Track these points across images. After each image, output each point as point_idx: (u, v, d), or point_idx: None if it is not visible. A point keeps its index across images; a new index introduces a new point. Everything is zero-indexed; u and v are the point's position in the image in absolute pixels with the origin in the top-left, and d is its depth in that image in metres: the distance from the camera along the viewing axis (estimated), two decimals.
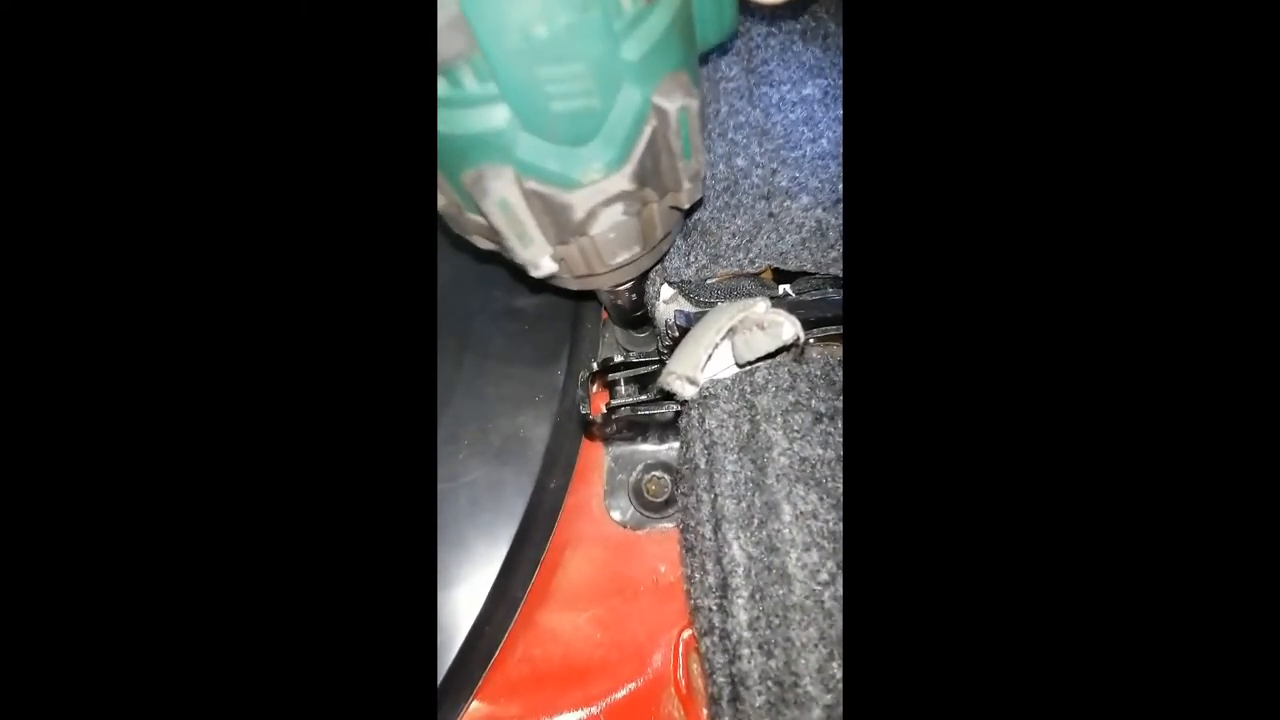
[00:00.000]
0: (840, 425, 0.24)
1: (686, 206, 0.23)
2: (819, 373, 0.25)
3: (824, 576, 0.22)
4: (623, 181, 0.20)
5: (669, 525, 0.36)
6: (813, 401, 0.24)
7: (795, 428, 0.24)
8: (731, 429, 0.25)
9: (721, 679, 0.23)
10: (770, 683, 0.22)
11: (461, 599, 0.34)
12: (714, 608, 0.24)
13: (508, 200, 0.19)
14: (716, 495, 0.25)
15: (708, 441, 0.25)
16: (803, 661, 0.21)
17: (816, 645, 0.22)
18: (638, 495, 0.37)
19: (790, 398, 0.24)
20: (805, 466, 0.23)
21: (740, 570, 0.23)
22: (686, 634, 0.34)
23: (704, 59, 0.25)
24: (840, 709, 0.21)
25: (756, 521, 0.23)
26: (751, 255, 0.28)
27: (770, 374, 0.25)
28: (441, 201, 0.22)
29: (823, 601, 0.22)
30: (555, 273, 0.22)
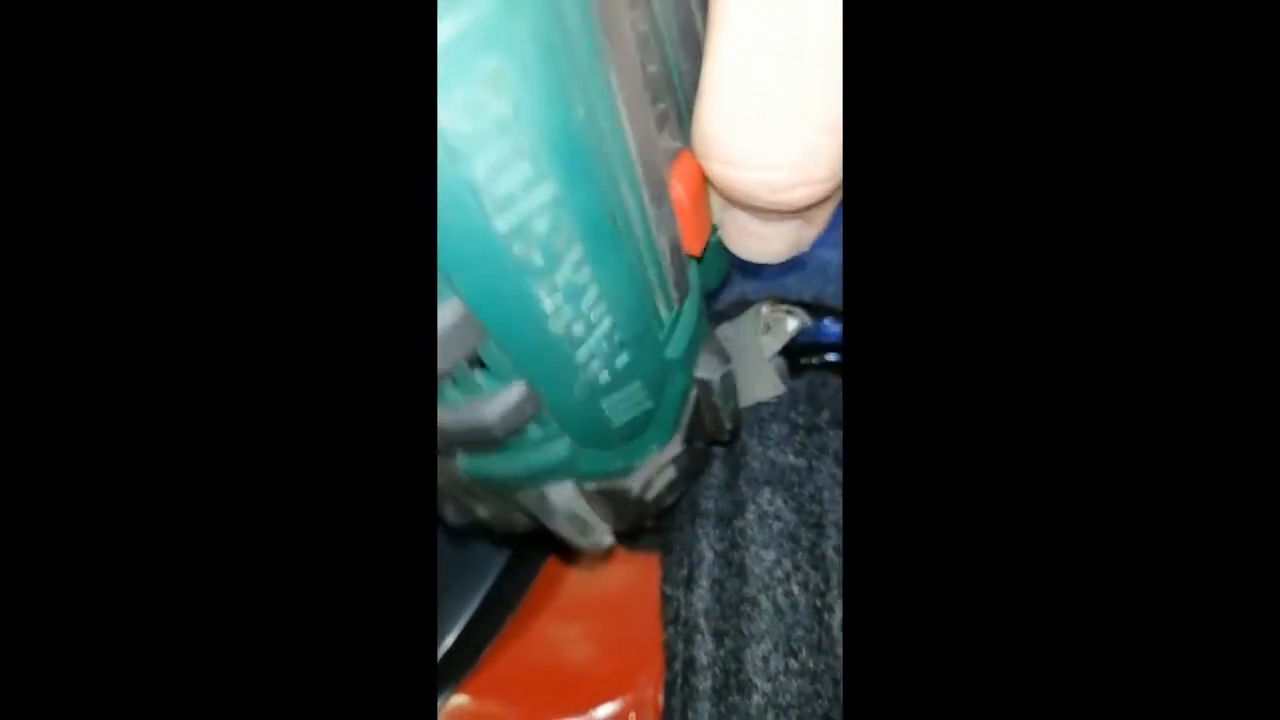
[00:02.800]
0: (815, 438, 0.26)
1: (727, 440, 0.24)
2: (803, 389, 0.27)
3: (778, 574, 0.23)
4: (674, 448, 0.21)
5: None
6: (792, 414, 0.26)
7: (771, 436, 0.26)
8: None
9: (677, 666, 0.24)
10: (718, 669, 0.23)
11: (460, 595, 0.35)
12: (680, 598, 0.25)
13: (574, 510, 0.20)
14: (696, 495, 0.26)
15: None
16: (748, 652, 0.22)
17: (763, 637, 0.22)
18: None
19: (771, 409, 0.26)
20: (775, 471, 0.25)
21: (704, 563, 0.24)
22: None
23: None
24: (777, 699, 0.22)
25: (725, 520, 0.25)
26: (755, 286, 0.30)
27: None
28: (483, 512, 0.23)
29: (774, 598, 0.23)
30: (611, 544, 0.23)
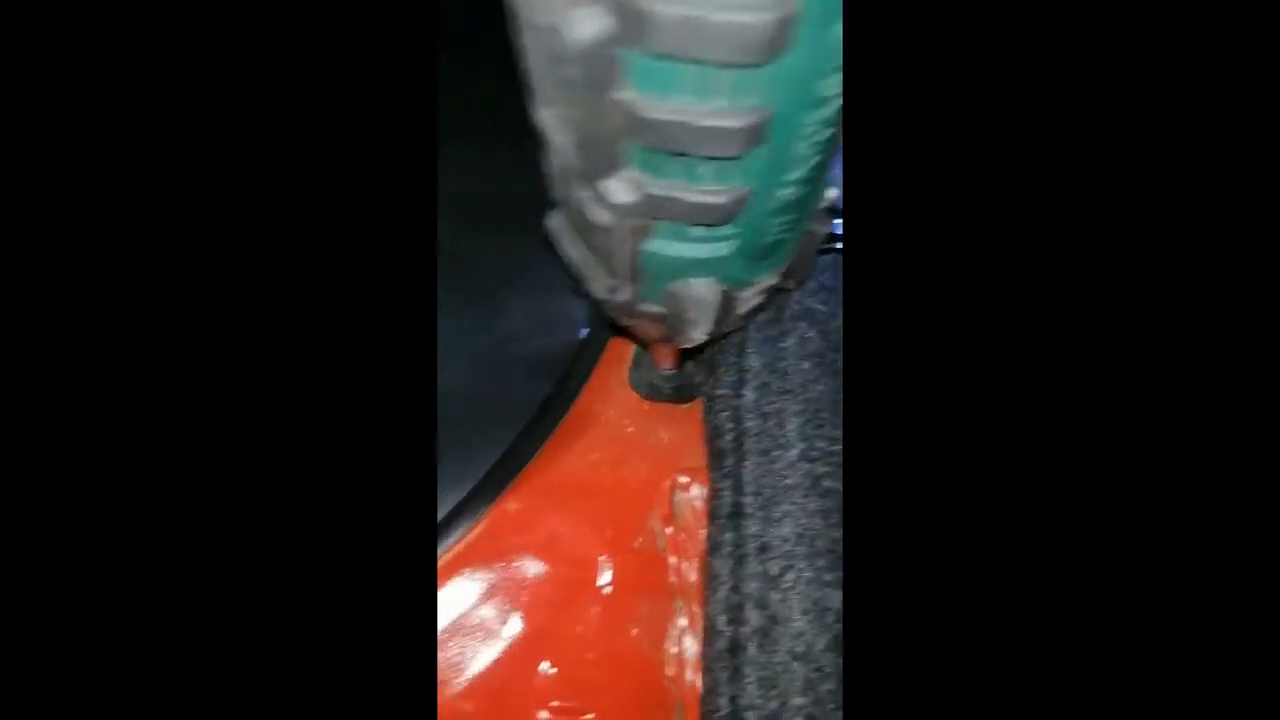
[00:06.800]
0: (835, 295, 0.36)
1: (795, 288, 0.33)
2: (829, 261, 0.37)
3: (810, 377, 0.33)
4: (773, 278, 0.28)
5: (672, 406, 0.46)
6: (821, 278, 0.36)
7: (807, 289, 0.35)
8: None
9: (730, 438, 0.34)
10: (764, 435, 0.32)
11: (508, 418, 0.43)
12: (730, 394, 0.35)
13: (706, 299, 0.26)
14: (746, 330, 0.36)
15: None
16: (788, 424, 0.32)
17: (799, 414, 0.32)
18: (650, 375, 0.47)
19: None
20: (809, 313, 0.35)
21: (753, 370, 0.34)
22: (683, 478, 0.44)
23: None
24: (809, 452, 0.32)
25: (772, 342, 0.35)
26: None
27: None
28: (627, 294, 0.27)
29: (807, 391, 0.33)
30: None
